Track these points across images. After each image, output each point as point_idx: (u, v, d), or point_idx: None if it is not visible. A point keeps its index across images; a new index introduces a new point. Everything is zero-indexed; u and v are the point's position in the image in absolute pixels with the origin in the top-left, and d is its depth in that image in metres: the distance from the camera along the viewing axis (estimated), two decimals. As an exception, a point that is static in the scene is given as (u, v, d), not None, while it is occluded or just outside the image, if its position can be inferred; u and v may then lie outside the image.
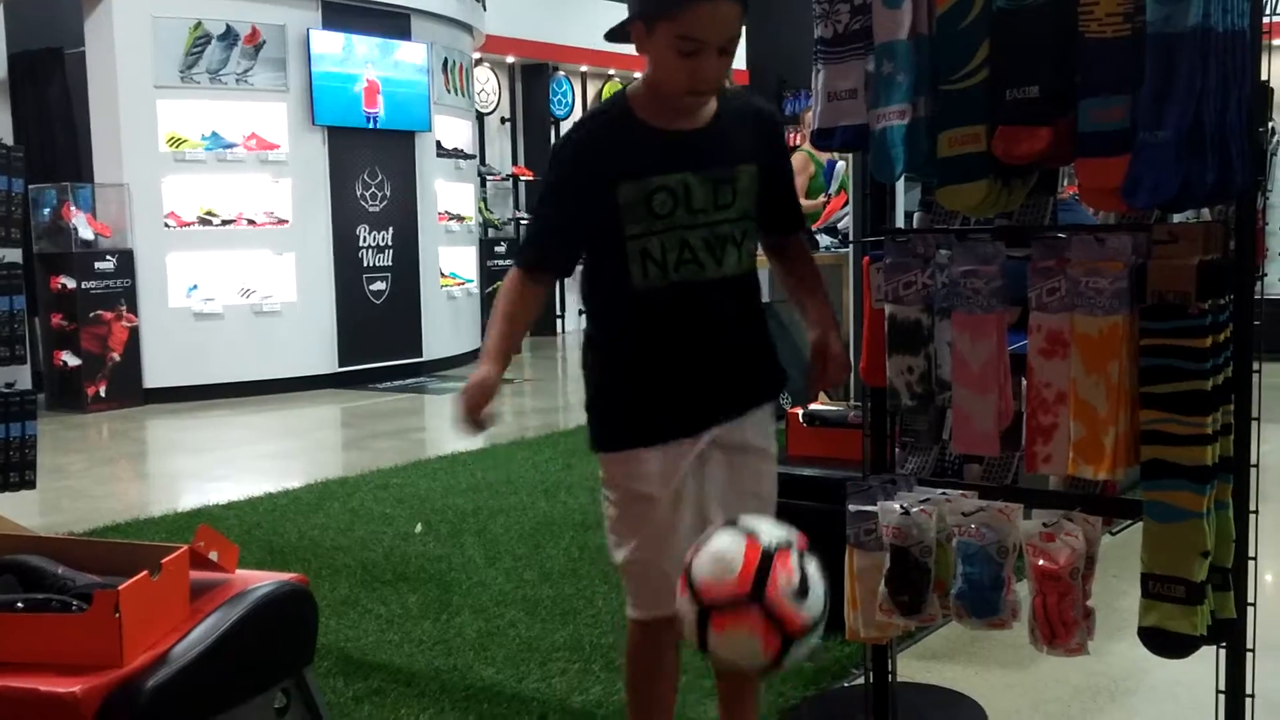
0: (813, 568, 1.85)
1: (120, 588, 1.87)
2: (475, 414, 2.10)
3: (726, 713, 2.35)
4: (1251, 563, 2.18)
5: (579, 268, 2.25)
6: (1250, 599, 2.18)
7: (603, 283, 2.20)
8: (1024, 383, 2.31)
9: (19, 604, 1.94)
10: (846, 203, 7.30)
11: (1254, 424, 2.16)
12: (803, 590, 1.81)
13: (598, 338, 2.25)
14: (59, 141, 9.41)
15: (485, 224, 11.64)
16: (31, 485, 4.65)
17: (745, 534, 1.84)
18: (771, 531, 1.86)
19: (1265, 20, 2.06)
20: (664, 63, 2.04)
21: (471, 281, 10.81)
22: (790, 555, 1.82)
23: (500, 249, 11.63)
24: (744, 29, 2.10)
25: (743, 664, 1.86)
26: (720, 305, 2.17)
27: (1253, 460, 2.16)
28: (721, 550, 1.83)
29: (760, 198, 2.19)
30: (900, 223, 2.78)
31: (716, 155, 2.13)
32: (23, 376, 6.46)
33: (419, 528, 4.59)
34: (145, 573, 1.93)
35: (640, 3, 2.05)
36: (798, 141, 8.48)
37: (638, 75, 2.20)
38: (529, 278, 2.20)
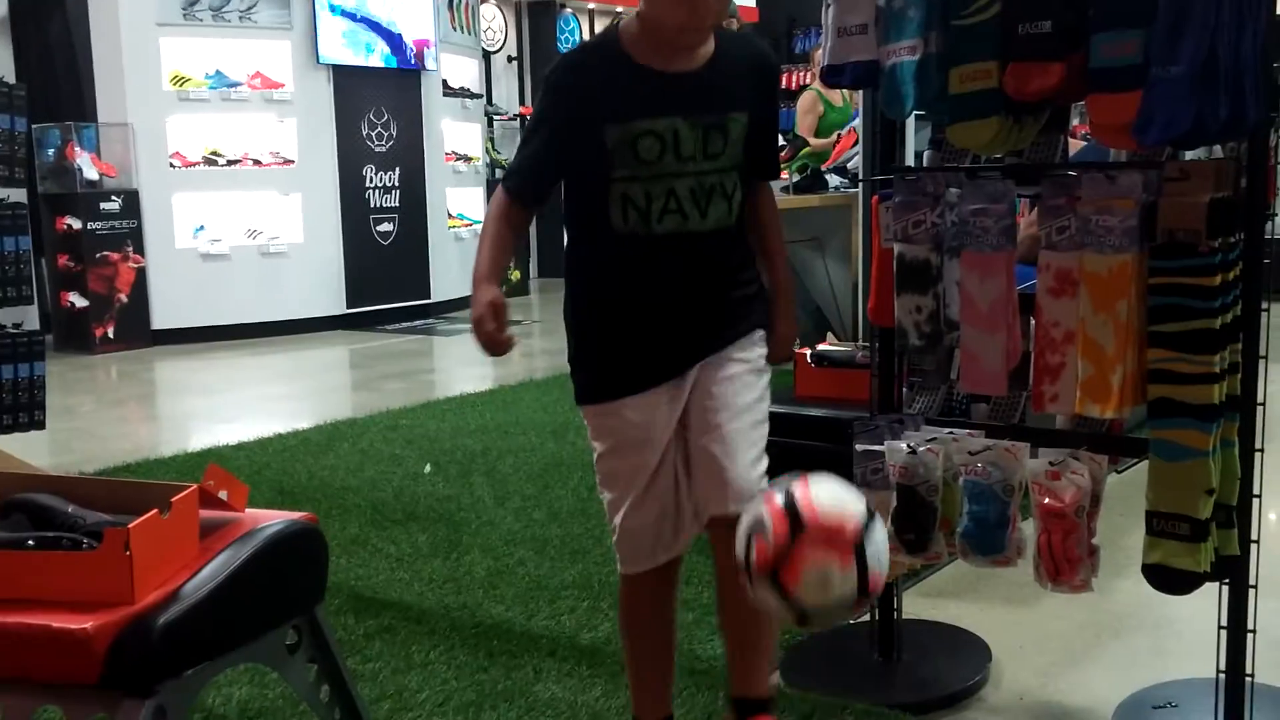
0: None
1: (130, 525, 1.89)
2: (497, 335, 2.01)
3: (736, 656, 2.22)
4: (1256, 500, 2.19)
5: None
6: (1254, 536, 2.19)
7: (582, 225, 2.13)
8: (1032, 322, 2.31)
9: (30, 542, 1.96)
10: (856, 142, 7.25)
11: (1261, 363, 2.16)
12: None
13: (577, 287, 2.17)
14: (62, 80, 9.34)
15: (492, 164, 11.58)
16: (41, 425, 4.68)
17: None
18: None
19: (1282, -48, 2.03)
20: None
21: (479, 223, 10.76)
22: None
23: (508, 189, 11.56)
24: None
25: (831, 604, 1.80)
26: (704, 258, 2.08)
27: (1259, 399, 2.17)
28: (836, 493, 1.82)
29: (751, 146, 2.09)
30: (910, 161, 2.76)
31: (709, 101, 2.02)
32: (30, 317, 6.50)
33: (428, 468, 4.61)
34: (155, 511, 1.94)
35: None
36: (807, 80, 8.40)
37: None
38: (515, 204, 2.11)
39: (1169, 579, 2.15)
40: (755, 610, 2.04)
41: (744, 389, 2.09)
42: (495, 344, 2.00)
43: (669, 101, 2.00)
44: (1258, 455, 2.18)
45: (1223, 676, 2.25)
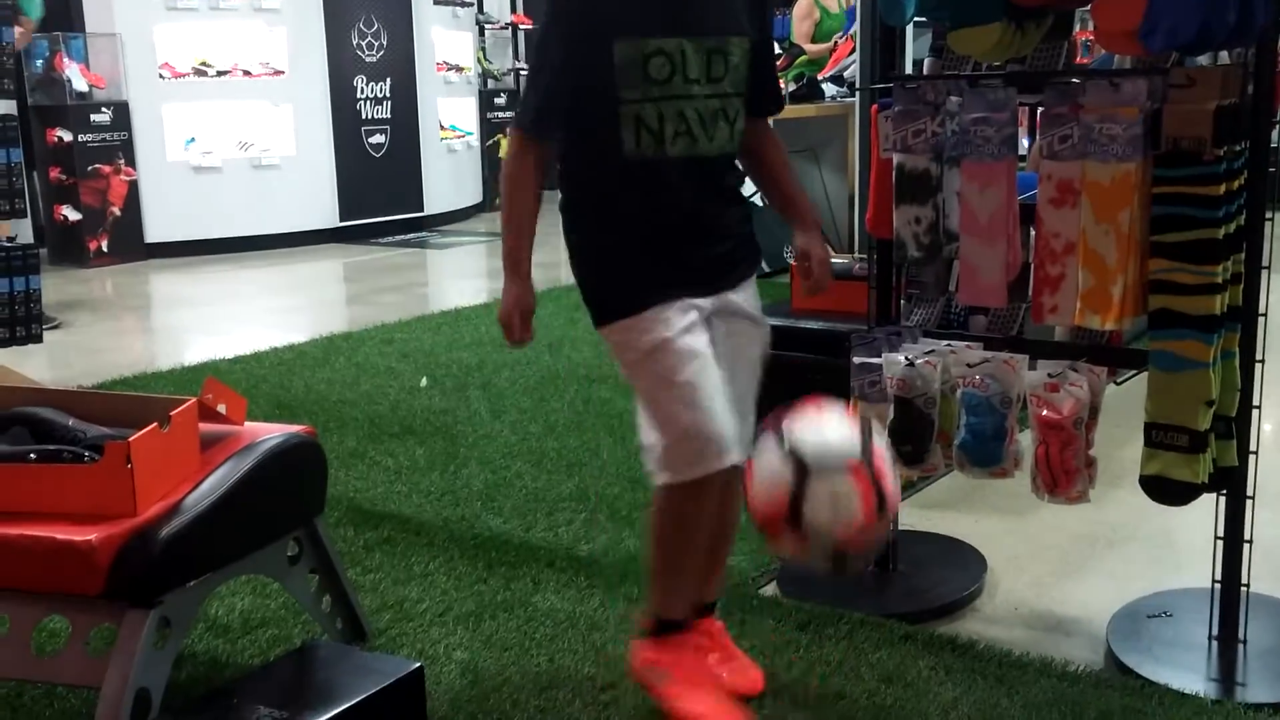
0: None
1: (131, 439, 1.89)
2: (521, 335, 2.10)
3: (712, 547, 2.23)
4: (1255, 411, 2.20)
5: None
6: (1252, 447, 2.20)
7: (586, 152, 2.08)
8: (1032, 233, 2.30)
9: (31, 455, 1.96)
10: (853, 49, 7.15)
11: (1264, 273, 2.15)
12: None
13: (586, 214, 2.12)
14: (46, -11, 9.17)
15: (484, 75, 11.42)
16: (38, 339, 4.68)
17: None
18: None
19: None
20: None
21: (472, 134, 10.65)
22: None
23: (500, 100, 11.41)
24: None
25: (836, 524, 1.86)
26: (711, 181, 2.08)
27: (1261, 309, 2.16)
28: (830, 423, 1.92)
29: (752, 72, 2.06)
30: (909, 69, 2.72)
31: (711, 22, 1.99)
32: (24, 230, 6.43)
33: (424, 382, 4.61)
34: (155, 424, 1.94)
35: None
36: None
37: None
38: (533, 141, 2.07)
39: (1167, 490, 2.16)
40: (731, 527, 2.24)
41: (760, 344, 2.18)
42: (518, 343, 2.12)
43: (678, 20, 1.96)
44: (1258, 366, 2.18)
45: (1218, 586, 2.27)
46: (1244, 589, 2.27)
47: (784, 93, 7.01)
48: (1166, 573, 2.67)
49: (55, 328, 5.82)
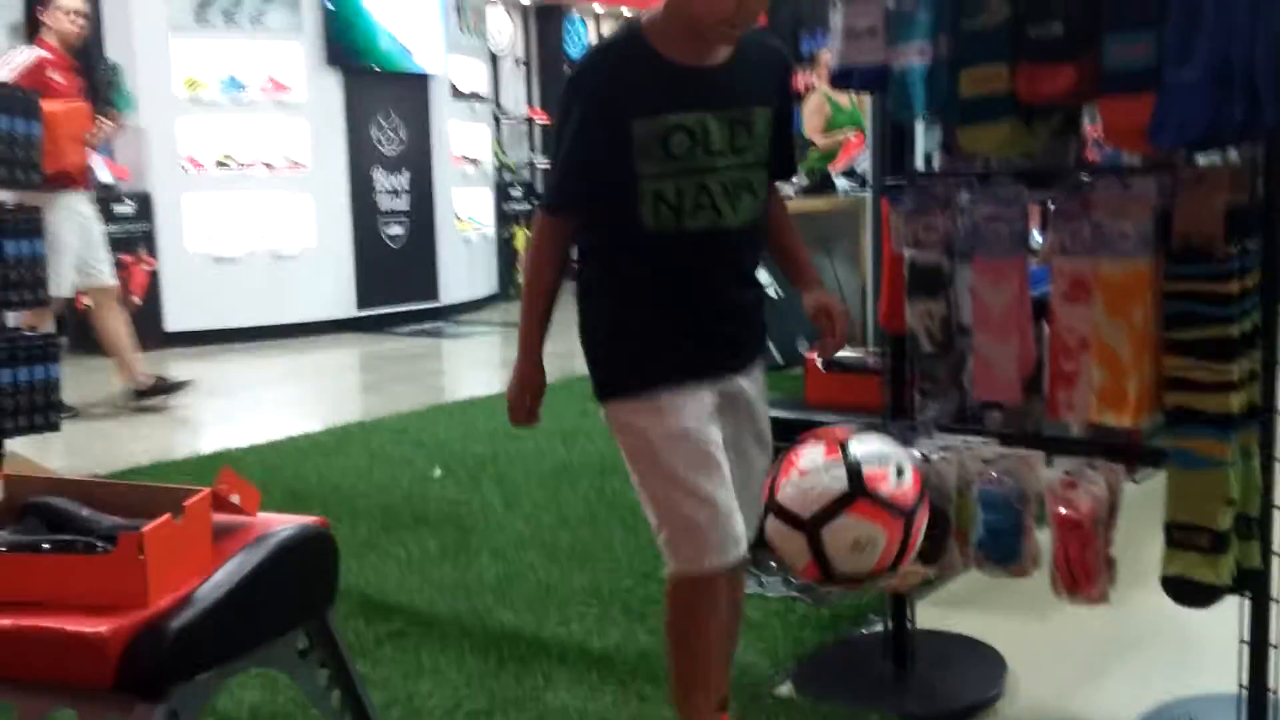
0: None
1: (144, 529, 1.88)
2: (529, 417, 2.14)
3: None
4: (1277, 511, 2.17)
5: None
6: (1276, 548, 2.17)
7: (605, 229, 2.07)
8: (1045, 328, 2.30)
9: (45, 545, 1.96)
10: (864, 145, 7.23)
11: (1280, 371, 2.14)
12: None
13: (603, 283, 2.12)
14: (75, 84, 9.37)
15: (501, 167, 11.59)
16: (56, 428, 4.68)
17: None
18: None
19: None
20: None
21: (487, 226, 10.78)
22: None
23: (515, 192, 11.57)
24: None
25: (861, 563, 1.91)
26: (734, 255, 2.08)
27: (1279, 408, 2.15)
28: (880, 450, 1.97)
29: (774, 142, 2.09)
30: (920, 165, 2.75)
31: (735, 95, 2.01)
32: (46, 320, 6.51)
33: (437, 472, 4.61)
34: (169, 515, 1.94)
35: None
36: (814, 82, 8.38)
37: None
38: (556, 223, 2.09)
39: (1188, 591, 2.14)
40: (735, 621, 2.23)
41: (767, 425, 2.20)
42: (522, 423, 2.13)
43: (698, 96, 1.98)
44: (1278, 466, 2.16)
45: (1245, 692, 2.23)
46: (1271, 695, 2.22)
47: (796, 186, 7.13)
48: (1191, 676, 2.62)
49: (74, 417, 5.91)
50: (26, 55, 5.82)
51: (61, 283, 5.91)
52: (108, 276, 6.11)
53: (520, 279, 2.18)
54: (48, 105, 5.59)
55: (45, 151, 5.53)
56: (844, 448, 1.92)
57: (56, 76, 5.76)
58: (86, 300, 6.16)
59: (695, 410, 2.02)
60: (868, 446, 1.94)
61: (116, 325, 6.17)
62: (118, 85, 6.12)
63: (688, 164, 1.98)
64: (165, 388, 6.25)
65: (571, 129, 2.03)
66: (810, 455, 1.95)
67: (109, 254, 6.24)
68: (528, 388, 2.11)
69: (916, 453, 2.40)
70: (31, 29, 8.93)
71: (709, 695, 2.11)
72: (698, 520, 1.98)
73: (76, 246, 5.95)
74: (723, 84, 2.00)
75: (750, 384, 2.15)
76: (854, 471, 1.89)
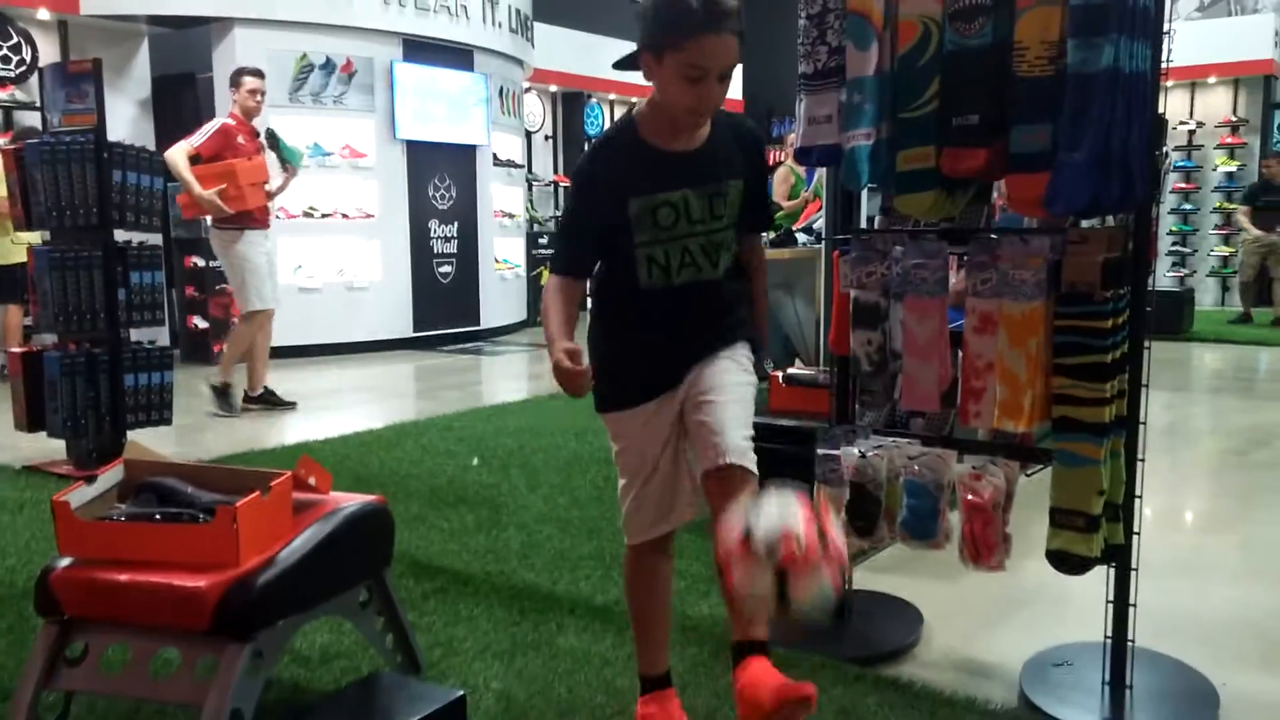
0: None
1: (237, 504, 1.88)
2: (575, 371, 1.86)
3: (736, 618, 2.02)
4: (1138, 500, 2.18)
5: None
6: (1136, 529, 2.17)
7: (614, 280, 2.05)
8: (960, 354, 2.30)
9: (156, 515, 1.96)
10: (821, 208, 7.25)
11: (1144, 390, 2.14)
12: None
13: (604, 321, 2.10)
14: (192, 149, 9.37)
15: (531, 220, 11.60)
16: (168, 422, 4.69)
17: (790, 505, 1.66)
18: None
19: (1162, 66, 2.03)
20: (671, 88, 1.88)
21: (519, 266, 10.78)
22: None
23: (543, 241, 11.57)
24: (741, 62, 2.00)
25: (818, 610, 1.66)
26: (712, 300, 2.03)
27: (1141, 419, 2.15)
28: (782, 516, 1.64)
29: (745, 205, 2.05)
30: (864, 224, 2.75)
31: (710, 172, 1.97)
32: (162, 335, 6.51)
33: (475, 461, 4.60)
34: (257, 493, 1.94)
35: (650, 36, 1.87)
36: (781, 158, 8.41)
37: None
38: (565, 281, 2.02)
39: (1067, 562, 2.14)
40: None
41: (729, 373, 2.01)
42: (574, 379, 1.86)
43: (680, 176, 1.96)
44: (1140, 464, 2.16)
45: (1109, 641, 2.23)
46: (1130, 644, 2.22)
47: (766, 240, 7.14)
48: (1068, 629, 2.62)
49: (292, 409, 6.13)
50: (214, 123, 5.90)
51: (264, 296, 5.96)
52: (272, 300, 6.08)
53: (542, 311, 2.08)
54: (235, 162, 5.67)
55: (231, 197, 5.66)
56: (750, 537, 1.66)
57: (240, 139, 5.82)
58: (242, 313, 6.05)
59: (650, 426, 2.01)
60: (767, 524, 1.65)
61: (264, 340, 6.13)
62: (281, 144, 6.11)
63: (674, 232, 1.96)
64: (274, 401, 6.19)
65: (576, 207, 2.02)
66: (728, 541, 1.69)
67: (277, 284, 6.26)
68: (562, 352, 1.87)
69: (858, 450, 2.39)
70: (155, 99, 8.96)
71: (647, 638, 2.13)
72: (635, 506, 2.05)
73: (265, 271, 5.96)
74: (700, 164, 1.97)
75: (715, 354, 2.01)
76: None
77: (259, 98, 6.04)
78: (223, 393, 6.05)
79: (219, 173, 5.69)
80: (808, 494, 1.73)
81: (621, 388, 2.04)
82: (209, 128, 5.85)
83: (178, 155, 5.63)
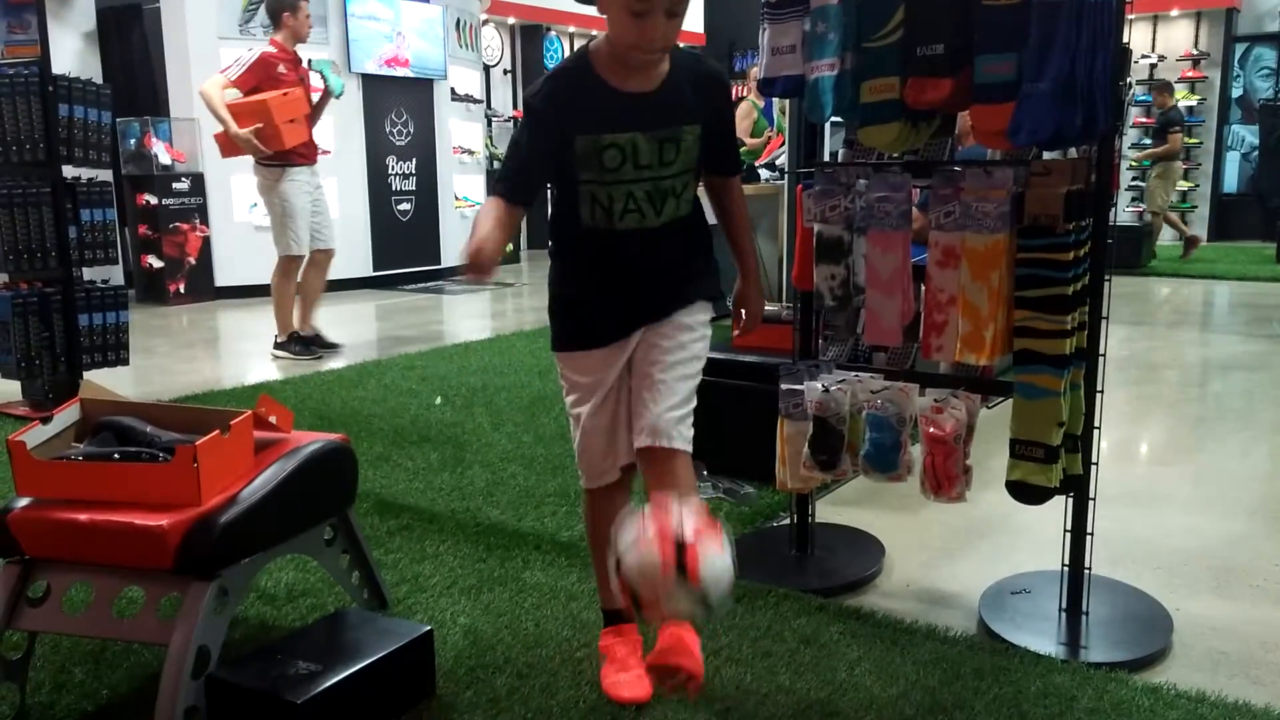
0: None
1: (197, 443, 1.86)
2: (477, 264, 1.78)
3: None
4: (1096, 431, 2.21)
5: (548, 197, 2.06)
6: (1094, 459, 2.21)
7: (560, 215, 2.00)
8: (922, 288, 2.31)
9: (115, 455, 1.93)
10: (783, 143, 7.21)
11: (1104, 323, 2.17)
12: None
13: (554, 259, 2.07)
14: (140, 82, 9.11)
15: (490, 157, 11.43)
16: (125, 363, 4.61)
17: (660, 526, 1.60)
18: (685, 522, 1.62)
19: (1128, -4, 2.02)
20: (618, 22, 1.82)
21: (479, 204, 10.65)
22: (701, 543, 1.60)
23: (498, 190, 11.43)
24: None
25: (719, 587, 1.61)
26: (657, 247, 1.97)
27: (1101, 351, 2.18)
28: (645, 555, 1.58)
29: (705, 151, 1.96)
30: (827, 158, 2.73)
31: (664, 116, 1.89)
32: (115, 274, 6.38)
33: (438, 400, 4.58)
34: (217, 431, 1.92)
35: None
36: (744, 93, 8.33)
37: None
38: (505, 203, 1.90)
39: (1027, 493, 2.17)
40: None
41: (677, 348, 1.98)
42: (475, 263, 1.77)
43: (630, 117, 1.88)
44: (1099, 396, 2.20)
45: (1067, 569, 2.28)
46: (1086, 571, 2.28)
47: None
48: (1026, 558, 2.68)
49: (334, 349, 5.88)
50: (252, 53, 5.51)
51: (301, 242, 5.71)
52: (330, 241, 5.81)
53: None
54: (265, 95, 5.37)
55: (269, 136, 5.34)
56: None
57: (281, 69, 5.51)
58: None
59: (599, 366, 1.99)
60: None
61: (318, 282, 5.96)
62: (327, 75, 5.81)
63: (619, 176, 1.90)
64: (323, 344, 5.95)
65: (524, 136, 1.94)
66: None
67: (332, 222, 5.94)
68: (482, 244, 1.78)
69: (821, 384, 2.41)
70: (101, 33, 8.67)
71: (608, 575, 1.95)
72: (582, 450, 2.03)
73: (310, 212, 5.70)
74: (654, 106, 1.89)
75: (670, 318, 1.98)
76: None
77: (309, 22, 5.74)
78: (289, 343, 5.82)
79: (254, 109, 5.34)
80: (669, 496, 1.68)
81: (572, 329, 2.03)
82: (247, 58, 5.44)
83: (213, 90, 5.29)
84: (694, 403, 1.99)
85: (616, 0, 1.80)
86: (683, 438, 1.93)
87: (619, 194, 1.91)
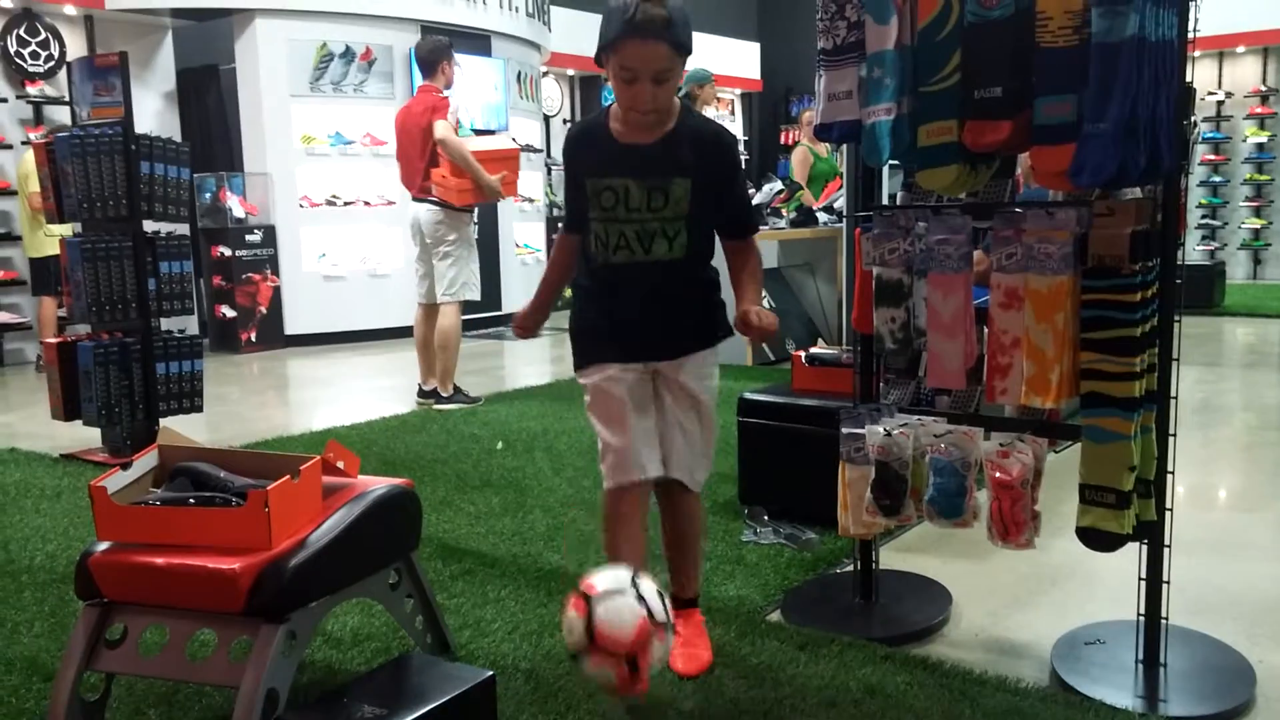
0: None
1: (269, 488, 1.90)
2: (523, 331, 2.42)
3: (674, 569, 2.44)
4: (1170, 476, 2.15)
5: None
6: (1168, 505, 2.15)
7: (582, 250, 2.31)
8: (985, 330, 2.28)
9: (191, 500, 1.98)
10: (841, 187, 7.20)
11: (1174, 364, 2.12)
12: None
13: (575, 289, 2.37)
14: (216, 139, 9.45)
15: (550, 205, 11.59)
16: (199, 409, 4.74)
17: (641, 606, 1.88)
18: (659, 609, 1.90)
19: (1189, 34, 2.00)
20: (615, 86, 2.11)
21: (539, 250, 10.79)
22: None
23: (561, 226, 11.58)
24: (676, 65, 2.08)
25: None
26: (645, 281, 2.21)
27: (1172, 394, 2.13)
28: (620, 611, 1.87)
29: (700, 204, 2.16)
30: (885, 200, 2.73)
31: (657, 167, 2.14)
32: (191, 324, 6.58)
33: (500, 445, 4.62)
34: (288, 477, 1.95)
35: (600, 40, 2.09)
36: (798, 138, 8.37)
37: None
38: (562, 235, 2.38)
39: (1098, 539, 2.12)
40: (685, 538, 2.38)
41: (692, 419, 2.27)
42: (519, 323, 2.41)
43: (625, 165, 2.16)
44: (1171, 439, 2.14)
45: (1142, 619, 2.21)
46: (1163, 621, 2.20)
47: (788, 219, 7.10)
48: (1099, 607, 2.60)
49: (476, 402, 5.64)
50: (447, 102, 5.44)
51: (477, 286, 5.64)
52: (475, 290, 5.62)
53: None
54: (512, 146, 5.41)
55: (510, 182, 5.34)
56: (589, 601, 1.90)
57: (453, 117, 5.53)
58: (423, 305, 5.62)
59: (608, 375, 2.24)
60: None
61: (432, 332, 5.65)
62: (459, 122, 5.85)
63: (613, 215, 2.18)
64: (464, 399, 5.67)
65: (564, 177, 2.33)
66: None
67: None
68: (526, 314, 2.40)
69: (883, 428, 2.39)
70: (180, 92, 9.01)
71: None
72: (608, 453, 2.23)
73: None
74: (648, 158, 2.15)
75: (672, 368, 2.27)
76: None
77: None
78: (453, 396, 5.63)
79: (504, 157, 5.39)
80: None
81: (584, 349, 2.32)
82: (453, 108, 5.46)
83: (459, 141, 5.29)
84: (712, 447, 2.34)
85: (611, 70, 2.09)
86: (695, 486, 2.31)
87: (614, 231, 2.20)
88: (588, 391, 2.27)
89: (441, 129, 5.30)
